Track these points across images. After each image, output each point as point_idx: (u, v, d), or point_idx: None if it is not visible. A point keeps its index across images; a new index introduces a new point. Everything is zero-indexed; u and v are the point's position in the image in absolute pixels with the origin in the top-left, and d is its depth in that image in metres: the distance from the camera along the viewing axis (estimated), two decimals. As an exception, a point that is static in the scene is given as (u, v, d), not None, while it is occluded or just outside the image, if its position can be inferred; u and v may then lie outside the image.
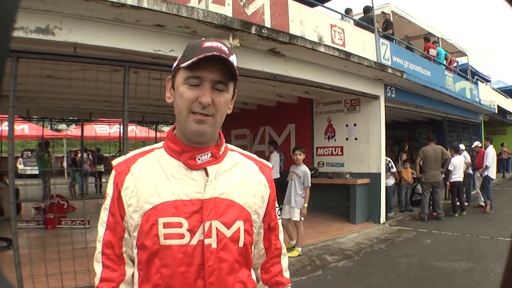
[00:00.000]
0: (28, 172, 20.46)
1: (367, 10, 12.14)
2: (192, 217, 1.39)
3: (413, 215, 12.77)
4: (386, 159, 11.86)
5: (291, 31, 7.76)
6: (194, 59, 1.33)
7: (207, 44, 1.40)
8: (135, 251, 1.42)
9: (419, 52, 14.09)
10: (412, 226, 11.26)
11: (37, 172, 17.18)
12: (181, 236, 1.37)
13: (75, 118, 18.17)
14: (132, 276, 1.46)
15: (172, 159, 1.47)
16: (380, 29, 11.83)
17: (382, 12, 13.06)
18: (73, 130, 22.63)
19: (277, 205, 1.69)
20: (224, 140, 1.58)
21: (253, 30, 6.64)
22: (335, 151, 12.54)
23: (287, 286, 1.73)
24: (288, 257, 6.27)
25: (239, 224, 1.46)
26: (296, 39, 7.48)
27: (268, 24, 7.38)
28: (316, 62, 8.81)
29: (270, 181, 1.63)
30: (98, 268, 1.45)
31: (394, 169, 12.37)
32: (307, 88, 10.60)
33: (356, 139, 11.95)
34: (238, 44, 6.64)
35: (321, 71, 9.15)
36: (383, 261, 7.80)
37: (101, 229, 1.46)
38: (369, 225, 11.09)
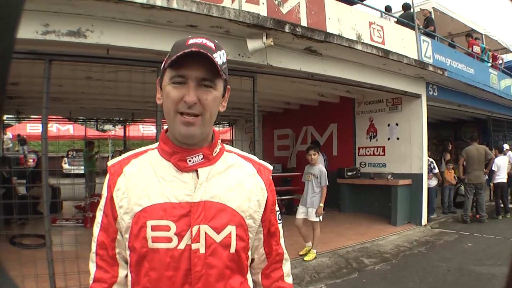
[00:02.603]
0: (73, 172, 20.83)
1: (407, 7, 11.90)
2: (180, 220, 1.35)
3: (456, 217, 12.46)
4: (428, 160, 11.59)
5: (328, 29, 7.63)
6: (174, 57, 1.29)
7: (191, 41, 1.36)
8: (128, 252, 1.41)
9: (462, 49, 13.68)
10: (454, 228, 10.99)
11: (82, 172, 17.48)
12: (169, 239, 1.34)
13: (120, 119, 18.40)
14: (126, 277, 1.44)
15: (164, 160, 1.44)
16: (421, 26, 11.53)
17: (421, 9, 12.73)
18: (118, 131, 23.01)
19: (277, 209, 1.62)
20: (219, 140, 1.53)
21: (286, 29, 6.57)
22: (377, 151, 12.38)
23: None
24: (305, 260, 6.17)
25: (231, 229, 1.41)
26: (332, 37, 7.36)
27: (304, 22, 7.27)
28: (354, 61, 8.68)
29: (269, 184, 1.56)
30: (92, 268, 1.45)
31: (437, 170, 12.07)
32: (347, 87, 10.46)
33: (398, 139, 11.76)
34: (272, 43, 6.58)
35: (360, 69, 9.01)
36: (421, 265, 7.61)
37: (96, 230, 1.46)
38: (410, 227, 10.88)
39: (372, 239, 9.30)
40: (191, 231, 1.34)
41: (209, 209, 1.38)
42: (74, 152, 25.95)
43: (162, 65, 1.43)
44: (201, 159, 1.43)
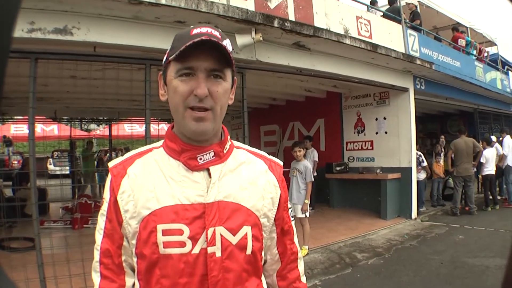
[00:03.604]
0: (58, 173, 20.57)
1: (392, 1, 11.86)
2: (193, 223, 1.26)
3: (445, 209, 12.52)
4: (416, 153, 11.61)
5: (316, 24, 7.57)
6: (182, 48, 1.20)
7: (195, 31, 1.27)
8: (135, 259, 1.31)
9: (448, 43, 13.73)
10: (444, 221, 11.03)
11: (67, 172, 17.36)
12: (182, 244, 1.25)
13: (105, 118, 18.21)
14: (133, 286, 1.35)
15: (172, 159, 1.34)
16: (407, 20, 11.54)
17: (406, 3, 12.73)
18: (103, 130, 22.78)
19: (289, 205, 1.54)
20: (228, 136, 1.44)
21: (275, 24, 6.51)
22: (365, 146, 12.38)
23: None
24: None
25: (247, 230, 1.33)
26: (321, 31, 7.32)
27: (292, 17, 7.21)
28: (342, 55, 8.66)
29: (281, 181, 1.48)
30: (96, 278, 1.35)
31: (425, 163, 12.12)
32: (335, 81, 10.47)
33: (386, 132, 11.76)
34: (261, 39, 6.53)
35: (348, 64, 9.00)
36: (414, 258, 7.62)
37: (99, 237, 1.35)
38: (400, 220, 10.90)
39: (363, 234, 9.29)
40: (206, 234, 1.26)
41: (224, 210, 1.30)
42: (59, 153, 25.69)
43: (165, 59, 1.35)
44: (212, 156, 1.35)
